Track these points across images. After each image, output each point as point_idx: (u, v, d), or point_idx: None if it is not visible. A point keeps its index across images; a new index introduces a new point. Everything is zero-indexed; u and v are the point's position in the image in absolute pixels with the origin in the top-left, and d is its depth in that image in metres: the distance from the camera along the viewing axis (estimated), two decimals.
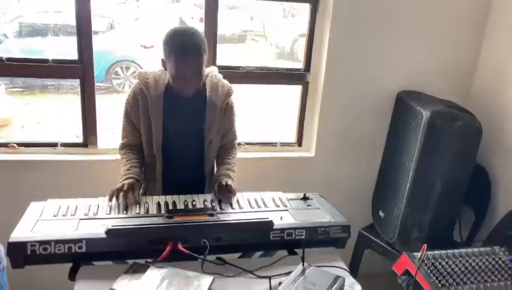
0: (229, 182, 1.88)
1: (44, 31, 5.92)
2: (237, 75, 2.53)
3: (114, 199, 1.76)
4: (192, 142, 1.98)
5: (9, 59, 2.31)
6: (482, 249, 1.83)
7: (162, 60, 1.85)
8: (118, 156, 2.07)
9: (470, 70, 2.73)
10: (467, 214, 2.54)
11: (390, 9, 2.52)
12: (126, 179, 1.86)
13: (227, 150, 2.11)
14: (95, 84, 2.46)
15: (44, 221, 1.62)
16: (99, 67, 5.56)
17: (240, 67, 2.58)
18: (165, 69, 1.86)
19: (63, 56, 2.44)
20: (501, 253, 1.81)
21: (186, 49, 1.78)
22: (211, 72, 2.02)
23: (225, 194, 1.85)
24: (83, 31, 2.33)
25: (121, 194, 1.76)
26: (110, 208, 1.73)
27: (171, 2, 8.38)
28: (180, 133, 1.96)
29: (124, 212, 1.71)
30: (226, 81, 2.02)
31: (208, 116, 1.95)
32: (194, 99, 1.91)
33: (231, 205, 1.82)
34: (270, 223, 1.67)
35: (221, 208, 1.79)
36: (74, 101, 5.59)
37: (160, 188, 2.00)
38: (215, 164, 2.11)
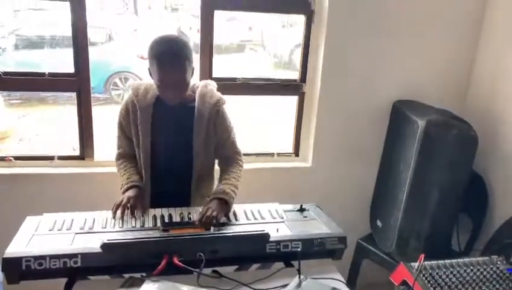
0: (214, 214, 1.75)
1: (41, 43, 5.94)
2: (233, 86, 2.54)
3: (119, 213, 1.75)
4: (180, 153, 1.96)
5: (6, 73, 2.32)
6: (480, 258, 1.82)
7: (149, 69, 1.85)
8: (115, 169, 2.07)
9: (465, 80, 2.74)
10: (465, 223, 2.54)
11: (384, 19, 2.54)
12: (129, 187, 1.86)
13: (229, 165, 2.02)
14: (94, 95, 2.48)
15: (39, 236, 1.61)
16: (98, 78, 5.57)
17: (236, 78, 2.59)
18: (152, 78, 1.86)
19: (59, 69, 2.45)
20: (499, 262, 1.80)
21: (167, 56, 1.78)
22: (204, 83, 2.02)
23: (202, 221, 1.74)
24: (79, 44, 2.34)
25: (128, 211, 1.76)
26: (115, 221, 1.73)
27: (169, 13, 8.44)
28: (168, 144, 1.95)
29: (120, 225, 1.70)
30: (217, 93, 2.00)
31: (195, 127, 1.93)
32: (183, 110, 1.91)
33: (228, 218, 1.82)
34: (266, 235, 1.66)
35: (217, 221, 1.78)
36: (72, 113, 5.61)
37: (148, 199, 1.97)
38: (214, 178, 2.09)
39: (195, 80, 2.00)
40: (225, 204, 1.83)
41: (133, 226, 1.70)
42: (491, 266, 1.77)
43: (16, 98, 5.90)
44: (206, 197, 1.97)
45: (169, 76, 1.79)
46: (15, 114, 5.49)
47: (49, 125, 5.77)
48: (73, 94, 2.46)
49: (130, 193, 1.84)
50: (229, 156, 2.04)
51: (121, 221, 1.73)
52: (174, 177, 1.97)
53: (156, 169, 1.97)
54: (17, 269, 1.47)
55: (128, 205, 1.78)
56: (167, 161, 1.96)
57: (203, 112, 1.92)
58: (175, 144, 1.95)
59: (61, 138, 5.40)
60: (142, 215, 1.78)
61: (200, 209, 1.83)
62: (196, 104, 1.93)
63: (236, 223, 1.79)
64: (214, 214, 1.73)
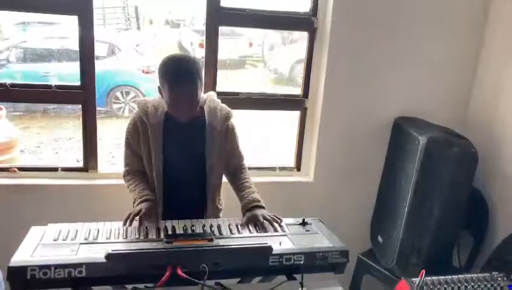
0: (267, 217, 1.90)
1: (48, 57, 6.00)
2: (236, 100, 2.57)
3: (129, 222, 1.77)
4: (193, 168, 1.99)
5: (13, 85, 2.35)
6: (480, 275, 1.83)
7: (159, 87, 1.88)
8: (119, 181, 2.09)
9: (466, 97, 2.78)
10: (466, 239, 2.55)
11: (387, 36, 2.58)
12: (142, 201, 1.88)
13: (239, 173, 2.11)
14: None
15: (44, 245, 1.62)
16: (99, 92, 5.56)
17: (240, 93, 2.62)
18: (162, 96, 1.89)
19: (63, 81, 2.49)
20: (499, 279, 1.80)
21: (179, 77, 1.80)
22: (209, 96, 2.05)
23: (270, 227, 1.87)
24: (86, 58, 2.37)
25: (137, 218, 1.78)
26: (126, 231, 1.74)
27: (171, 28, 8.51)
28: (180, 159, 1.97)
29: (124, 236, 1.71)
30: (224, 105, 2.04)
31: (208, 140, 1.96)
32: (194, 125, 1.93)
33: (237, 229, 1.84)
34: (269, 248, 1.66)
35: (220, 233, 1.80)
36: (74, 125, 5.65)
37: (161, 213, 2.00)
38: (220, 188, 2.13)
39: None
40: (262, 208, 1.95)
41: (136, 237, 1.71)
42: (492, 282, 1.77)
43: (19, 110, 5.94)
44: (219, 208, 2.10)
45: (181, 94, 1.81)
46: (17, 126, 5.53)
47: (51, 137, 5.80)
48: (77, 107, 2.49)
49: (143, 205, 1.85)
50: (238, 165, 2.12)
51: (125, 232, 1.74)
52: (188, 191, 2.00)
53: (168, 184, 1.99)
54: (22, 278, 1.47)
55: (140, 214, 1.79)
56: (180, 175, 1.98)
57: (214, 125, 1.96)
58: (188, 159, 1.98)
59: (62, 150, 5.43)
60: (155, 227, 1.79)
61: (203, 222, 1.85)
62: (207, 117, 1.96)
63: (239, 236, 1.79)
64: (276, 218, 1.89)
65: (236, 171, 2.12)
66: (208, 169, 1.99)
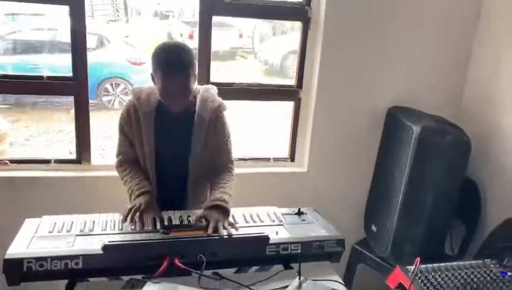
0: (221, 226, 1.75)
1: (39, 48, 5.92)
2: (230, 91, 2.55)
3: (129, 218, 1.75)
4: (180, 158, 1.97)
5: (3, 76, 2.31)
6: (473, 262, 1.86)
7: (151, 74, 1.85)
8: (112, 173, 2.07)
9: (459, 87, 2.79)
10: (458, 228, 2.58)
11: (381, 26, 2.58)
12: (140, 194, 1.86)
13: (221, 173, 1.99)
14: None
15: (40, 237, 1.61)
16: (89, 84, 5.55)
17: (233, 83, 2.61)
18: (155, 84, 1.86)
19: (55, 73, 2.46)
20: (492, 265, 1.84)
21: (172, 65, 1.78)
22: (204, 87, 2.03)
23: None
24: (78, 48, 2.34)
25: (137, 214, 1.76)
26: (122, 222, 1.74)
27: (161, 19, 8.45)
28: (171, 149, 1.95)
29: (120, 228, 1.70)
30: (218, 98, 2.01)
31: (194, 132, 1.93)
32: (185, 114, 1.91)
33: (234, 219, 1.83)
34: (266, 238, 1.68)
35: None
36: (64, 118, 5.60)
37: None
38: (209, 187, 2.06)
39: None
40: (224, 211, 1.81)
41: (132, 229, 1.71)
42: (485, 269, 1.80)
43: (8, 103, 5.88)
44: (200, 203, 1.97)
45: (173, 84, 1.79)
46: (6, 118, 5.47)
47: (41, 130, 5.74)
48: (67, 99, 2.46)
49: (142, 199, 1.83)
50: (223, 164, 2.03)
51: (121, 223, 1.73)
52: (173, 182, 1.98)
53: (159, 174, 1.97)
54: (18, 270, 1.47)
55: (141, 209, 1.77)
56: (169, 165, 1.96)
57: (203, 116, 1.93)
58: (176, 149, 1.95)
59: (53, 143, 5.39)
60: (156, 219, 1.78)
61: (199, 213, 1.84)
62: (197, 108, 1.94)
63: (236, 226, 1.79)
64: (225, 225, 1.73)
65: (220, 169, 2.01)
66: (191, 159, 1.96)
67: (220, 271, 1.64)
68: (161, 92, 1.83)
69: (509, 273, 1.80)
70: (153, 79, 1.86)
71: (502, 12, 2.55)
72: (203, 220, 1.77)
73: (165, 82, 1.79)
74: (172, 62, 1.79)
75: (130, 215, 1.75)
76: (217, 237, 1.67)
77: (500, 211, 2.35)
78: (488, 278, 1.75)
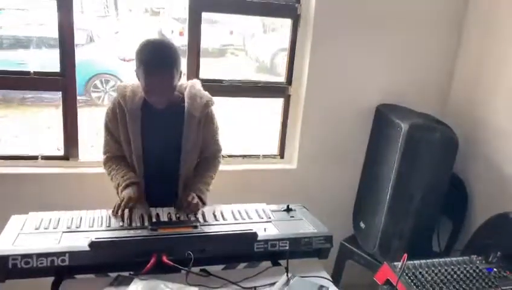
0: (191, 198, 1.87)
1: (26, 43, 5.85)
2: (219, 88, 2.55)
3: (120, 212, 1.75)
4: (169, 154, 1.95)
5: None
6: (460, 258, 1.88)
7: (135, 71, 1.84)
8: (100, 169, 2.05)
9: (446, 84, 2.81)
10: (445, 224, 2.60)
11: (370, 24, 2.59)
12: (127, 185, 1.86)
13: (208, 162, 2.07)
14: None
15: (26, 234, 1.59)
16: (78, 80, 5.51)
17: (223, 80, 2.61)
18: (139, 80, 1.85)
19: (44, 68, 2.43)
20: (478, 262, 1.86)
21: (154, 61, 1.77)
22: (190, 83, 2.01)
23: (188, 209, 1.84)
24: (66, 44, 2.32)
25: (126, 210, 1.76)
26: (110, 219, 1.73)
27: (151, 16, 8.39)
28: (159, 146, 1.94)
29: (108, 224, 1.69)
30: (206, 93, 2.00)
31: (185, 128, 1.93)
32: (172, 111, 1.90)
33: (222, 216, 1.84)
34: (254, 234, 1.68)
35: (204, 220, 1.79)
36: (52, 114, 5.53)
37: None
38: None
39: (182, 80, 1.99)
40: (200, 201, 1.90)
41: (120, 225, 1.70)
42: (471, 265, 1.83)
43: None
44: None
45: (155, 82, 1.78)
46: None
47: (29, 126, 5.68)
48: (55, 95, 2.43)
49: (130, 191, 1.83)
50: (211, 155, 2.08)
51: (109, 220, 1.72)
52: (163, 178, 1.97)
53: (148, 171, 1.96)
54: (4, 267, 1.45)
55: (130, 204, 1.77)
56: (157, 162, 1.95)
57: (193, 114, 1.92)
58: (165, 146, 1.94)
59: (40, 139, 5.33)
60: (147, 213, 1.78)
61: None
62: (186, 105, 1.92)
63: (224, 222, 1.79)
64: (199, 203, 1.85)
65: (205, 160, 2.07)
66: (182, 157, 1.96)
67: (208, 268, 1.64)
68: (144, 88, 1.81)
69: (494, 270, 1.83)
70: (137, 75, 1.85)
71: (487, 11, 2.57)
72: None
73: (147, 79, 1.77)
74: (154, 59, 1.78)
75: (120, 210, 1.75)
76: (205, 234, 1.67)
77: (487, 207, 2.37)
78: (474, 274, 1.78)
